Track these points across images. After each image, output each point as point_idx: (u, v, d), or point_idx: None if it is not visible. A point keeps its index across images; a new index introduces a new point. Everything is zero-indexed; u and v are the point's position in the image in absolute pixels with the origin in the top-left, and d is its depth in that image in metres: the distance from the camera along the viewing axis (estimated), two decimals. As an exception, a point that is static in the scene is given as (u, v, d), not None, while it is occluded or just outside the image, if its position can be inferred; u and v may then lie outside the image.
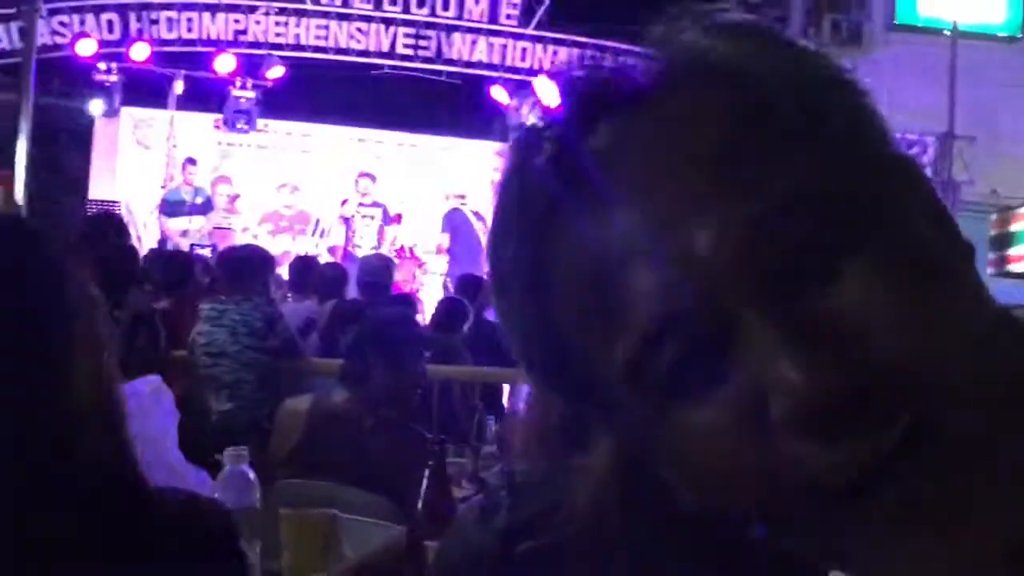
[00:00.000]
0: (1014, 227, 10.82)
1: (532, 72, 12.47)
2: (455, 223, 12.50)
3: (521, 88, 11.99)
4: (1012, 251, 10.67)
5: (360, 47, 12.69)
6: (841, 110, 0.53)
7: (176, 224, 11.82)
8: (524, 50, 12.87)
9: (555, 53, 12.74)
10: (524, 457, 1.32)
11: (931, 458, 0.46)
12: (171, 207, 11.96)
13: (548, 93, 0.58)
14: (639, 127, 0.51)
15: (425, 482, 2.32)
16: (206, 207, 12.13)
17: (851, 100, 0.54)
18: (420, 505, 2.29)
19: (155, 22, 12.48)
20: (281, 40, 12.69)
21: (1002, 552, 0.46)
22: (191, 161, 12.43)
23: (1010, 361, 0.48)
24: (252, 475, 2.06)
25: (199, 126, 13.04)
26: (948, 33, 11.56)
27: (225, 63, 12.20)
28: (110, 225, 5.44)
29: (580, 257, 0.51)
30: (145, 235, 11.69)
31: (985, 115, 11.27)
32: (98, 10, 12.28)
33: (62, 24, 12.17)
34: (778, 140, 0.50)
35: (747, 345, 0.47)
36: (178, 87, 12.59)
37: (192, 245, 10.69)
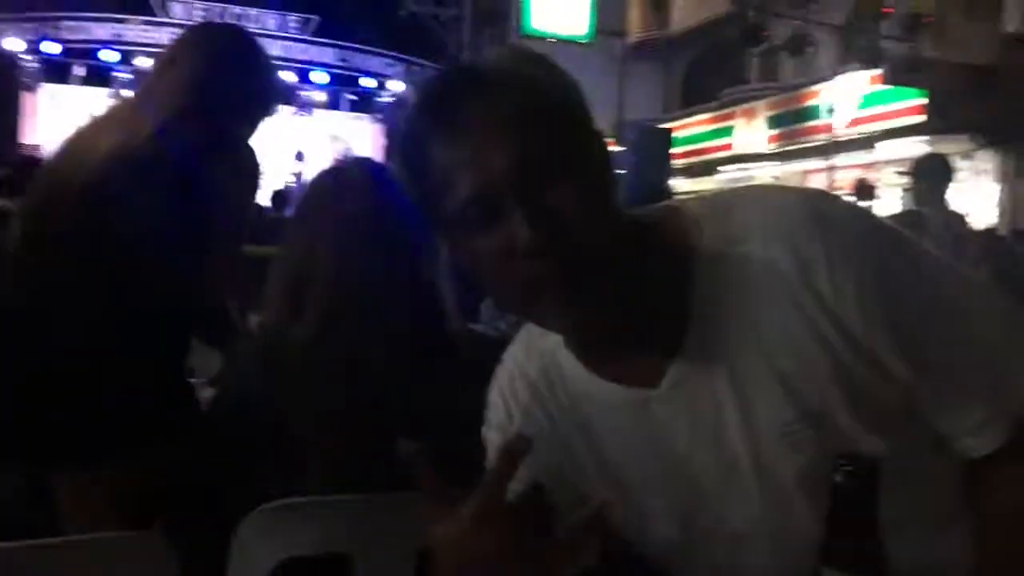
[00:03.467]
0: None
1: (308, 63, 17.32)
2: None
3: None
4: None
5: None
6: (574, 104, 0.98)
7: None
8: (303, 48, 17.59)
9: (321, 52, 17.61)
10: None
11: (586, 273, 0.91)
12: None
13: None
14: (472, 100, 0.92)
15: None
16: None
17: (578, 98, 0.98)
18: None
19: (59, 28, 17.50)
20: (146, 39, 17.29)
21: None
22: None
23: (628, 233, 0.97)
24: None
25: (95, 96, 17.05)
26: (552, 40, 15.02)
27: (108, 55, 17.30)
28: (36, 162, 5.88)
29: (441, 160, 0.93)
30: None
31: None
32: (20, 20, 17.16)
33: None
34: (541, 118, 0.92)
35: (508, 213, 0.90)
36: (78, 70, 17.81)
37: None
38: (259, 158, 2.08)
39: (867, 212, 1.05)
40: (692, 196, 1.09)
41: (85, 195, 1.89)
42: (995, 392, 0.98)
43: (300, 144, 17.23)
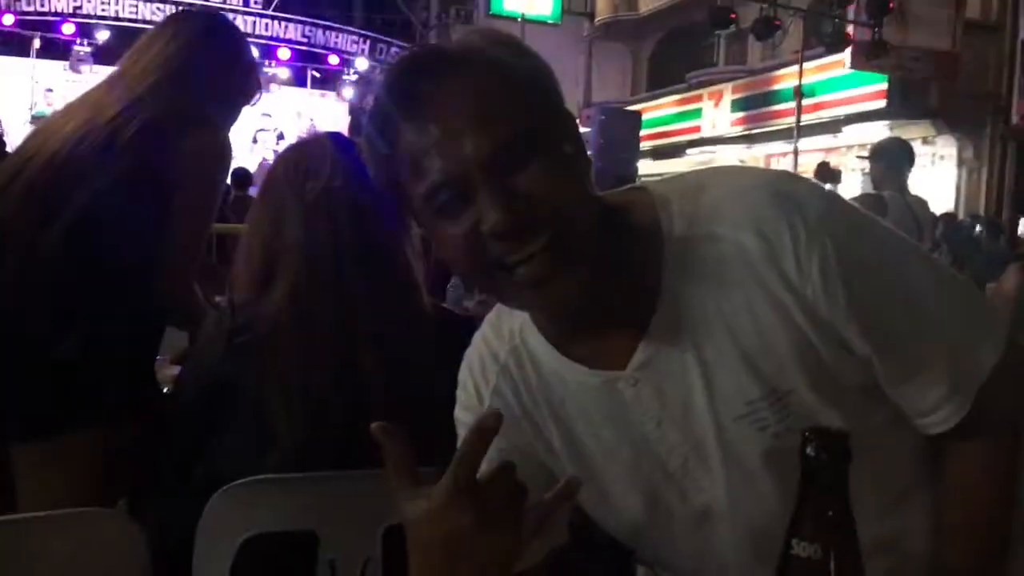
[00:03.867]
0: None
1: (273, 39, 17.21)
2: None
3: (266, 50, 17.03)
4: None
5: (159, 20, 16.27)
6: (544, 86, 0.97)
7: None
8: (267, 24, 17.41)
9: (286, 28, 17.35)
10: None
11: (557, 254, 0.91)
12: (37, 120, 13.84)
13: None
14: (441, 81, 0.91)
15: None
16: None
17: (548, 80, 0.98)
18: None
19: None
20: (106, 12, 17.01)
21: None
22: (49, 90, 17.24)
23: (598, 214, 0.96)
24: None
25: (53, 69, 17.78)
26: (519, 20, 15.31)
27: (67, 28, 16.91)
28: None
29: (409, 142, 0.92)
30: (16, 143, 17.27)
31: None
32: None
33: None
34: (511, 100, 0.91)
35: (476, 197, 0.90)
36: (36, 43, 17.27)
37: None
38: (227, 138, 2.07)
39: (831, 193, 1.05)
40: (659, 178, 1.09)
41: (46, 172, 1.88)
42: (954, 370, 0.99)
43: (279, 123, 17.11)
